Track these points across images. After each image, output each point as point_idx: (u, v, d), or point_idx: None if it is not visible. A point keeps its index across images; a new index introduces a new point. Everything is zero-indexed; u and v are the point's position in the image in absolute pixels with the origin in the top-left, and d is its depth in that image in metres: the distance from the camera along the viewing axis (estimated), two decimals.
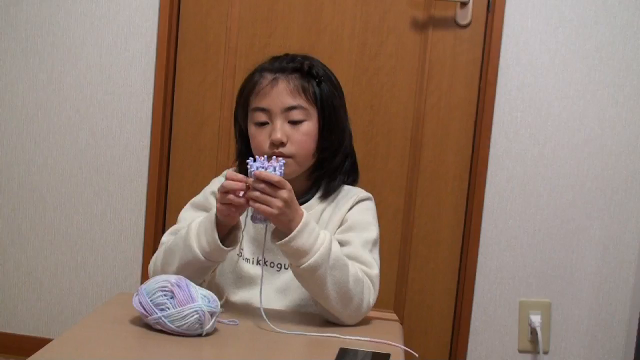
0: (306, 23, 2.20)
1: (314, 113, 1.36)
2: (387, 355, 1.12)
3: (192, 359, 1.08)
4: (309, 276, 1.22)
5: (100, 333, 1.14)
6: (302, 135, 1.34)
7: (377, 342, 1.19)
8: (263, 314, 1.21)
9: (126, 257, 2.32)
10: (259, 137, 1.35)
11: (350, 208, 1.39)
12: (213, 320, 1.13)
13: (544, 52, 2.13)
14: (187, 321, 1.11)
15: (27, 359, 0.97)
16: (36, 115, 2.31)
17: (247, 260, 1.39)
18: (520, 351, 2.21)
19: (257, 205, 1.18)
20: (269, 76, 1.36)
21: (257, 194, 1.17)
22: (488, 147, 2.14)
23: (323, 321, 1.29)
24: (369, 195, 1.44)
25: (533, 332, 2.18)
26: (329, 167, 1.40)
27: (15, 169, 2.34)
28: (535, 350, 2.19)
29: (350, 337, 1.19)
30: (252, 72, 1.40)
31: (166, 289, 1.12)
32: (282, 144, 1.33)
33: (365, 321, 1.31)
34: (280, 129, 1.33)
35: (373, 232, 1.37)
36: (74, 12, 2.27)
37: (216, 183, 1.43)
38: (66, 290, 2.35)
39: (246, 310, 1.32)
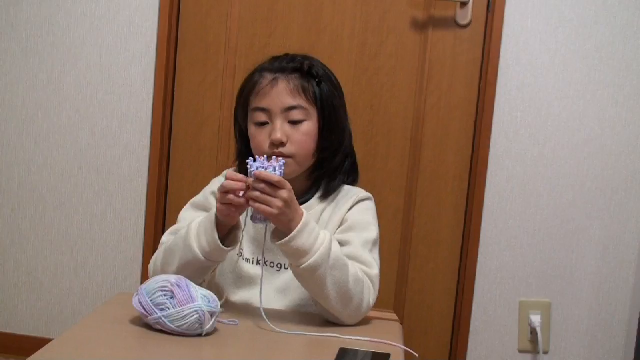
0: (306, 23, 2.20)
1: (314, 113, 1.36)
2: (387, 355, 1.12)
3: (192, 359, 1.08)
4: (309, 276, 1.22)
5: (100, 333, 1.14)
6: (302, 135, 1.34)
7: (377, 342, 1.19)
8: (263, 314, 1.21)
9: (126, 257, 2.32)
10: (259, 137, 1.35)
11: (350, 208, 1.39)
12: (213, 320, 1.13)
13: (544, 52, 2.13)
14: (187, 321, 1.11)
15: (27, 359, 0.97)
16: (36, 115, 2.31)
17: (247, 260, 1.39)
18: (520, 351, 2.21)
19: (257, 205, 1.18)
20: (269, 76, 1.36)
21: (257, 194, 1.17)
22: (488, 147, 2.14)
23: (323, 321, 1.29)
24: (369, 195, 1.44)
25: (533, 332, 2.18)
26: (329, 167, 1.40)
27: (15, 169, 2.34)
28: (535, 350, 2.19)
29: (350, 337, 1.19)
30: (252, 72, 1.40)
31: (166, 289, 1.12)
32: (282, 144, 1.33)
33: (365, 321, 1.31)
34: (280, 129, 1.33)
35: (373, 232, 1.37)
36: (74, 12, 2.27)
37: (216, 183, 1.43)
38: (66, 290, 2.35)
39: (246, 310, 1.32)
